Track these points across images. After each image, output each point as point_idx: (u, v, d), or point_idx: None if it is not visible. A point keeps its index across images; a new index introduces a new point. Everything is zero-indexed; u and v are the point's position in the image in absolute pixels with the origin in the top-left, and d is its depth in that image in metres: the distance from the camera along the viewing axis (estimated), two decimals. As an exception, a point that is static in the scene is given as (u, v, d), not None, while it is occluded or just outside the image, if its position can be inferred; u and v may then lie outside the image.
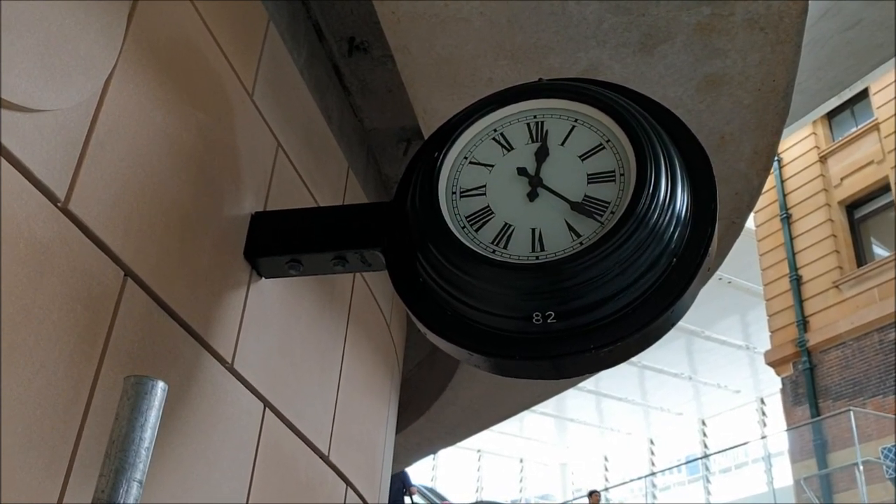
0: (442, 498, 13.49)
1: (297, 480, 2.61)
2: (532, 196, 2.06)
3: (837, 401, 14.52)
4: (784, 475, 16.23)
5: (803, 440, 14.90)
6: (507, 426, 26.00)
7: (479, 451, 29.62)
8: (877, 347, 14.15)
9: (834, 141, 16.51)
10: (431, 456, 25.13)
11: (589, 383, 21.77)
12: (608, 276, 1.88)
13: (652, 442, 28.51)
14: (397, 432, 5.14)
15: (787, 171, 17.04)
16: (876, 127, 15.44)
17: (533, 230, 2.00)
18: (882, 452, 13.04)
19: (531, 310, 1.91)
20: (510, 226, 2.02)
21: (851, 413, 13.69)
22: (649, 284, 1.92)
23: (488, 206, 2.07)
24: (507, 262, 1.94)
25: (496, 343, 1.98)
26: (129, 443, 1.14)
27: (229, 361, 2.17)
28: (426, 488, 13.35)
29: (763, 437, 21.19)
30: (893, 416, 13.29)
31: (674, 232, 1.94)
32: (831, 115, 16.29)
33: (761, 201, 17.06)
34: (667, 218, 1.93)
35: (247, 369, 2.26)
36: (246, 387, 2.26)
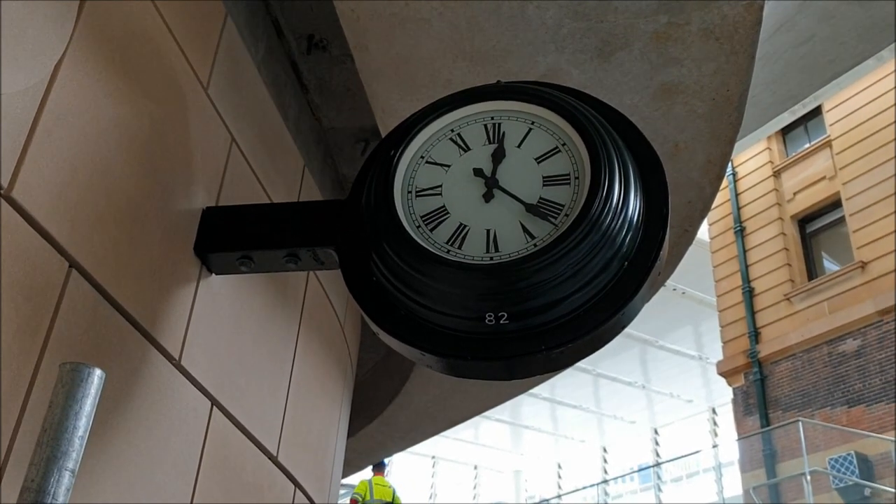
0: None
1: (245, 481, 2.57)
2: (488, 197, 2.06)
3: (787, 412, 14.75)
4: (734, 485, 16.45)
5: (753, 450, 15.10)
6: (463, 433, 26.00)
7: (433, 457, 29.58)
8: (826, 360, 14.41)
9: (788, 156, 16.82)
10: (386, 461, 25.00)
11: (544, 390, 21.87)
12: (561, 278, 1.89)
13: (605, 450, 28.71)
14: (350, 436, 5.11)
15: (742, 185, 17.32)
16: (828, 144, 15.77)
17: (488, 231, 2.00)
18: (829, 463, 13.28)
19: (484, 310, 1.91)
20: (465, 226, 2.02)
21: (800, 424, 13.93)
22: (601, 287, 1.93)
23: (444, 206, 2.07)
24: (461, 263, 1.94)
25: (449, 343, 1.97)
26: (62, 431, 1.10)
27: (176, 358, 2.13)
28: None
29: (714, 447, 21.48)
30: (841, 428, 13.55)
31: (626, 236, 1.96)
32: (785, 131, 16.61)
33: (716, 214, 17.34)
34: (619, 222, 1.94)
35: (195, 366, 2.22)
36: (193, 384, 2.23)
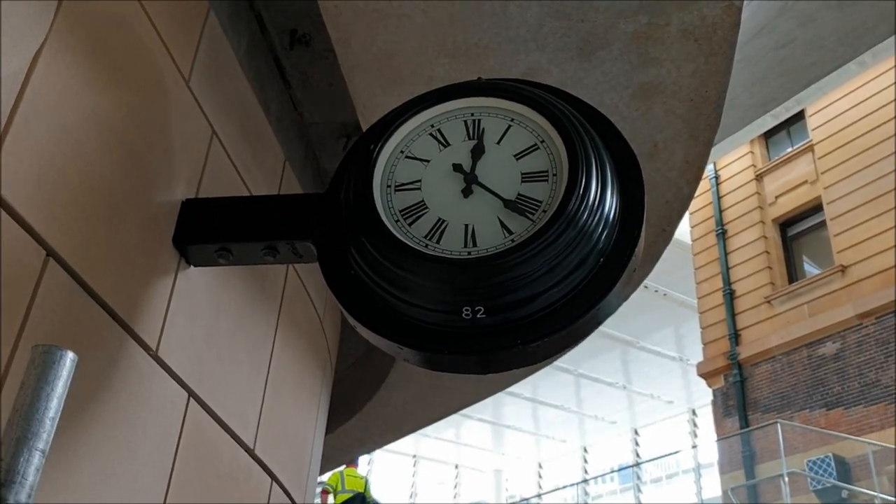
0: None
1: (221, 473, 2.57)
2: (466, 192, 2.07)
3: (766, 413, 14.88)
4: (713, 486, 16.58)
5: (732, 451, 15.23)
6: (444, 432, 26.04)
7: (414, 456, 29.59)
8: (805, 362, 14.54)
9: (770, 160, 16.96)
10: (367, 461, 24.97)
11: (526, 390, 21.94)
12: (537, 273, 1.90)
13: (585, 450, 28.83)
14: (328, 432, 5.11)
15: (724, 188, 17.45)
16: (811, 148, 15.91)
17: (466, 226, 2.01)
18: (807, 465, 13.40)
19: (461, 304, 1.92)
20: (444, 221, 2.03)
21: (779, 426, 14.06)
22: (577, 282, 1.95)
23: (423, 201, 2.08)
24: (438, 257, 1.95)
25: (426, 337, 1.98)
26: (33, 412, 1.11)
27: (154, 349, 2.14)
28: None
29: (694, 448, 21.61)
30: (819, 430, 13.67)
31: (602, 232, 1.98)
32: (768, 135, 16.75)
33: (697, 216, 17.45)
34: (596, 218, 1.96)
35: (172, 358, 2.22)
36: (170, 375, 2.23)
